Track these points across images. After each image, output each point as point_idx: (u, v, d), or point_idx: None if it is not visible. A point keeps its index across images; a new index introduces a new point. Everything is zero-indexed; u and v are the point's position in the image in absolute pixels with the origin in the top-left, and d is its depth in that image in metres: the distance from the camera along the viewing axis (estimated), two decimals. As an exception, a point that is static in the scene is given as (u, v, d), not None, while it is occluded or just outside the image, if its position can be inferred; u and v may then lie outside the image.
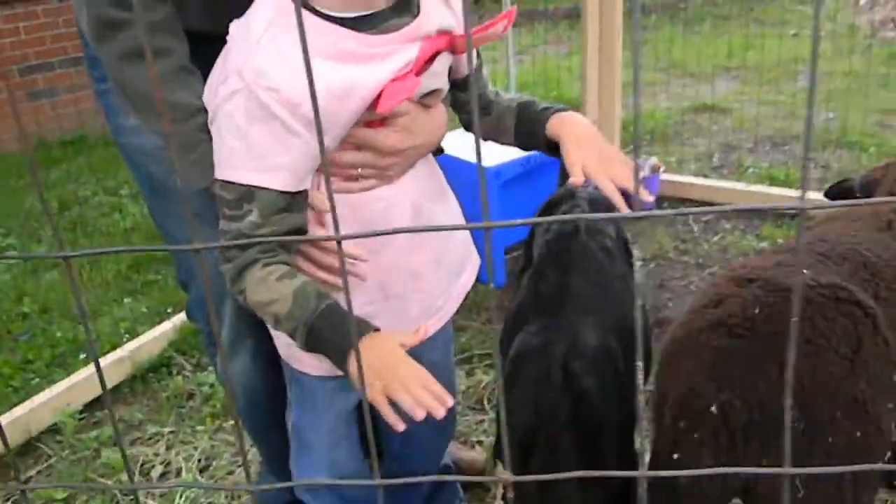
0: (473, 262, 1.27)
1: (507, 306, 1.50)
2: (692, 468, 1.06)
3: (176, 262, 1.37)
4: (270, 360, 1.24)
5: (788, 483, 0.40)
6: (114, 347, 2.26)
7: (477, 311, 2.44)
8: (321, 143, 0.42)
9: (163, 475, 1.82)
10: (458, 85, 1.13)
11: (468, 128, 1.25)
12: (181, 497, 1.70)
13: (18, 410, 1.98)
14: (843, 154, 3.50)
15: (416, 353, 0.92)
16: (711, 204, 3.06)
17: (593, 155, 1.03)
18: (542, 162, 2.49)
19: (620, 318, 1.28)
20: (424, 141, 1.06)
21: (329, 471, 1.22)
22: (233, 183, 0.92)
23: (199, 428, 1.96)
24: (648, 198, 1.16)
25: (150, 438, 1.95)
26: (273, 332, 1.16)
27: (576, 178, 1.02)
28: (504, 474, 0.47)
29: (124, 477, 1.76)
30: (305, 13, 0.89)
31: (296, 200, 0.95)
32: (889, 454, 1.13)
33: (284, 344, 1.16)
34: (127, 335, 2.38)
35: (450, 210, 1.21)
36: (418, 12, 0.96)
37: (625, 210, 1.03)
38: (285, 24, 0.88)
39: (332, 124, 0.92)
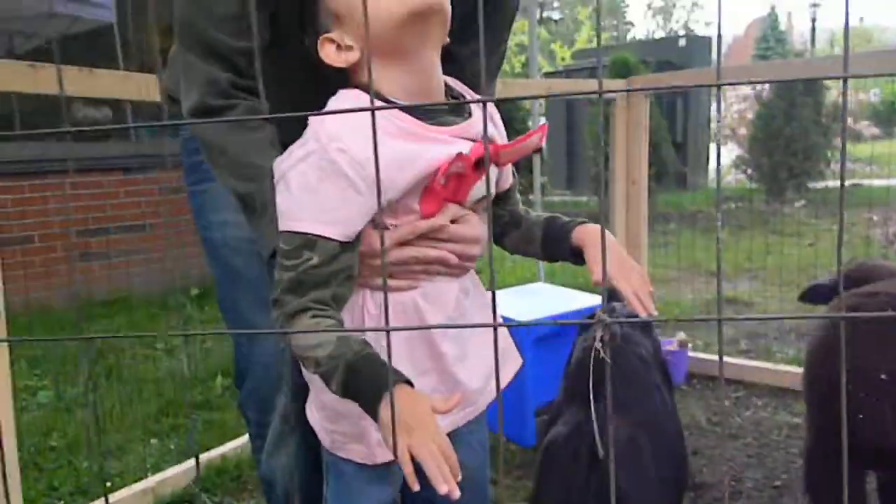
0: (514, 360, 1.28)
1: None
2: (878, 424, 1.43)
3: (236, 352, 1.42)
4: (313, 458, 1.25)
5: None
6: (137, 482, 2.24)
7: (507, 470, 2.40)
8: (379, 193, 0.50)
9: None
10: (498, 201, 1.22)
11: (499, 241, 1.29)
12: None
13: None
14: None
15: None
16: (741, 383, 3.08)
17: (614, 260, 1.09)
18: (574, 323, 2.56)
19: (652, 421, 1.30)
20: (474, 240, 1.12)
21: None
22: (297, 233, 0.98)
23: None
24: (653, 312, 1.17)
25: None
26: (318, 424, 1.17)
27: (595, 276, 1.08)
28: None
29: None
30: (376, 103, 1.00)
31: (349, 245, 1.01)
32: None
33: (329, 431, 1.17)
34: (151, 470, 2.36)
35: (484, 305, 1.23)
36: (470, 115, 1.08)
37: (644, 312, 1.09)
38: (355, 104, 1.00)
39: (390, 188, 1.00)
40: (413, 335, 1.09)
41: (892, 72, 3.03)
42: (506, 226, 1.25)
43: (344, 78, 1.07)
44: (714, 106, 10.24)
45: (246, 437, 2.33)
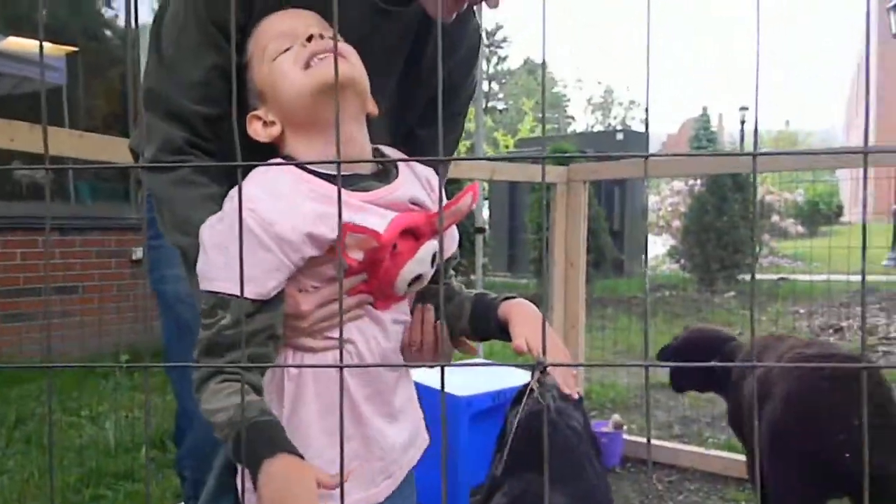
0: (423, 439, 1.26)
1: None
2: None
3: (178, 408, 1.40)
4: None
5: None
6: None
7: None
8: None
9: None
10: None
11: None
12: None
13: None
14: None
15: None
16: (674, 467, 3.12)
17: (535, 332, 1.11)
18: (511, 398, 2.58)
19: (586, 490, 1.32)
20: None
21: None
22: (211, 292, 1.00)
23: None
24: (578, 389, 1.20)
25: None
26: (239, 483, 1.15)
27: (519, 344, 1.09)
28: None
29: None
30: (295, 169, 1.03)
31: (267, 305, 1.01)
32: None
33: (249, 491, 1.15)
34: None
35: (408, 380, 1.23)
36: (396, 177, 1.10)
37: (568, 389, 1.14)
38: (276, 170, 1.04)
39: (303, 247, 1.00)
40: (334, 398, 1.07)
41: (799, 165, 3.24)
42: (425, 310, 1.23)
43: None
44: (649, 197, 10.65)
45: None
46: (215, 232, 1.00)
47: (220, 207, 1.07)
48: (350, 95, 1.07)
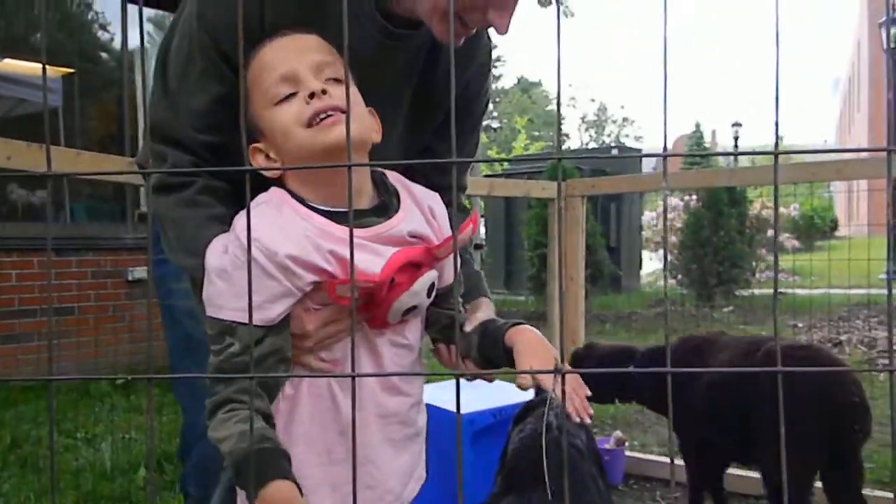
0: (419, 477, 1.25)
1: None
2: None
3: (184, 424, 1.39)
4: None
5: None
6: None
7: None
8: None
9: None
10: (439, 299, 1.18)
11: (437, 341, 1.29)
12: None
13: None
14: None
15: None
16: (679, 484, 3.08)
17: (547, 364, 1.11)
18: (513, 414, 2.56)
19: None
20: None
21: None
22: (217, 319, 1.01)
23: None
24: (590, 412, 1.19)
25: None
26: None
27: (524, 382, 1.11)
28: None
29: None
30: (292, 202, 1.04)
31: (273, 329, 1.03)
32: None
33: None
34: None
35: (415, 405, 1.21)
36: (397, 212, 1.09)
37: (579, 416, 1.13)
38: (277, 203, 1.04)
39: (302, 274, 1.01)
40: (327, 423, 1.08)
41: (819, 175, 3.23)
42: (440, 332, 1.24)
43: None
44: (646, 213, 10.68)
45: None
46: (220, 260, 1.01)
47: (225, 227, 1.08)
48: (357, 154, 1.07)
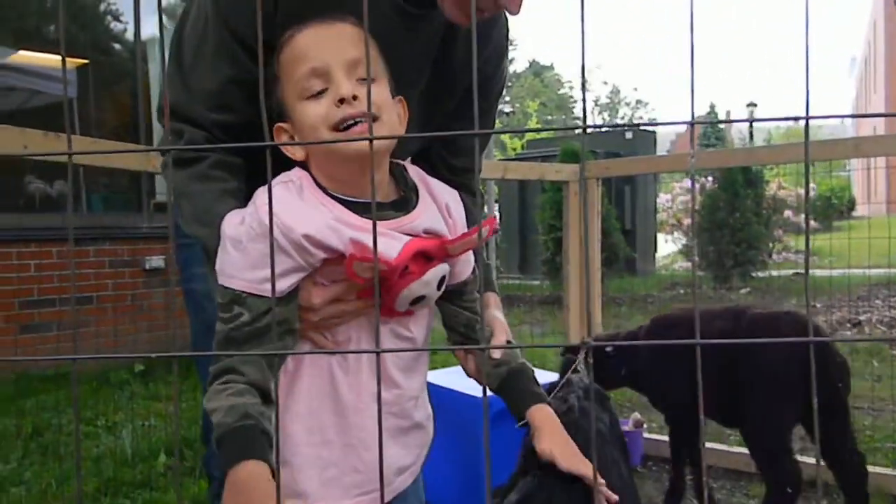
0: (413, 469, 1.24)
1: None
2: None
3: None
4: None
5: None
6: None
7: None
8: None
9: None
10: (452, 295, 1.20)
11: (452, 333, 1.29)
12: None
13: None
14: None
15: None
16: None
17: (561, 443, 1.17)
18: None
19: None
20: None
21: None
22: (228, 288, 1.02)
23: None
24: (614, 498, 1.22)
25: None
26: None
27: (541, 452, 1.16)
28: None
29: None
30: (314, 188, 1.05)
31: (281, 301, 1.03)
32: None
33: None
34: (88, 552, 2.22)
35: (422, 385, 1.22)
36: (415, 207, 1.10)
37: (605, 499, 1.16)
38: (298, 184, 1.05)
39: (316, 252, 1.02)
40: (324, 404, 1.08)
41: (847, 152, 3.19)
42: (458, 336, 1.25)
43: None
44: (660, 196, 10.62)
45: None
46: (236, 231, 1.02)
47: (237, 201, 1.10)
48: (381, 159, 1.08)
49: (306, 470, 1.08)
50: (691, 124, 0.45)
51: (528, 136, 20.10)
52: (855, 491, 2.28)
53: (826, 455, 2.24)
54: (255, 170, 1.14)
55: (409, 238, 1.05)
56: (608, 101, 53.62)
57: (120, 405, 3.93)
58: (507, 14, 1.16)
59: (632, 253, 9.24)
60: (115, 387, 4.33)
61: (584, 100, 0.57)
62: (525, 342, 5.17)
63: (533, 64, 49.58)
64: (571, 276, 3.28)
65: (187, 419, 3.54)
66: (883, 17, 26.61)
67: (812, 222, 9.80)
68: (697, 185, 9.10)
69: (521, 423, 1.21)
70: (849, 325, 5.76)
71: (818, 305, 6.55)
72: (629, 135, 11.32)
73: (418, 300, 1.09)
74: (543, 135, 17.84)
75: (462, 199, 1.20)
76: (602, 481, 1.19)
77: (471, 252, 1.15)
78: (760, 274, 8.63)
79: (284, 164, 1.08)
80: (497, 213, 10.51)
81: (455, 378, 2.78)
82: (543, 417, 1.19)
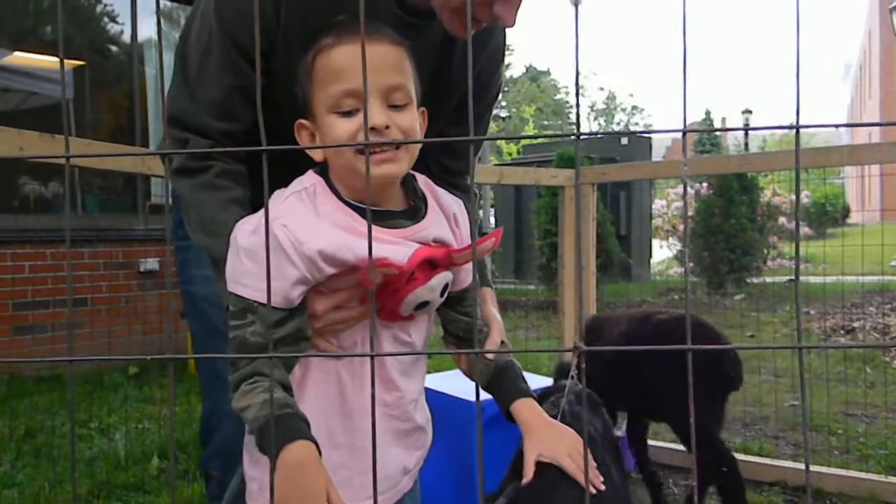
0: (413, 473, 1.27)
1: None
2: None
3: (205, 407, 1.42)
4: None
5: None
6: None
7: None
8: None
9: None
10: (453, 301, 1.23)
11: (451, 337, 1.32)
12: None
13: None
14: (812, 434, 3.60)
15: None
16: (690, 471, 3.08)
17: (556, 441, 1.20)
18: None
19: (597, 497, 1.28)
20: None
21: None
22: (240, 297, 1.04)
23: None
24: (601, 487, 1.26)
25: None
26: (245, 471, 1.17)
27: (528, 473, 1.18)
28: None
29: None
30: (329, 194, 1.07)
31: (294, 311, 1.06)
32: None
33: (251, 478, 1.16)
34: (80, 555, 2.22)
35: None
36: (424, 217, 1.13)
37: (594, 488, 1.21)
38: (312, 190, 1.07)
39: (323, 267, 1.04)
40: (332, 407, 1.11)
41: (841, 159, 3.19)
42: (456, 339, 1.28)
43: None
44: (656, 201, 10.64)
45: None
46: (249, 241, 1.04)
47: (243, 209, 1.12)
48: (396, 181, 1.11)
49: None
50: (683, 133, 0.46)
51: (525, 141, 20.15)
52: (724, 477, 2.43)
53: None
54: (259, 175, 1.14)
55: (418, 246, 1.08)
56: (604, 106, 53.74)
57: (113, 408, 3.92)
58: (506, 27, 1.18)
59: (627, 258, 9.26)
60: (108, 389, 4.32)
61: (577, 105, 0.58)
62: (519, 347, 5.18)
63: (529, 69, 49.68)
64: (566, 281, 3.28)
65: (180, 422, 3.53)
66: (878, 25, 26.73)
67: (806, 229, 9.84)
68: (693, 191, 9.13)
69: (506, 418, 1.24)
70: (842, 331, 5.78)
71: (812, 312, 6.57)
72: (625, 141, 11.34)
73: (422, 305, 1.11)
74: (539, 140, 17.89)
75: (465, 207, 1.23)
76: (597, 476, 1.23)
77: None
78: (755, 280, 8.66)
79: (296, 164, 1.09)
80: (492, 219, 10.52)
81: (449, 382, 2.79)
82: (526, 411, 1.22)
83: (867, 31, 32.71)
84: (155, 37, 5.59)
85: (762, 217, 9.07)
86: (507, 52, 1.45)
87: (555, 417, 1.44)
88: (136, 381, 4.50)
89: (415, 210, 1.13)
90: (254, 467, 1.15)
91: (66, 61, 5.36)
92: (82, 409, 3.80)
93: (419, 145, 1.12)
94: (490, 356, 1.25)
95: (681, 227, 9.92)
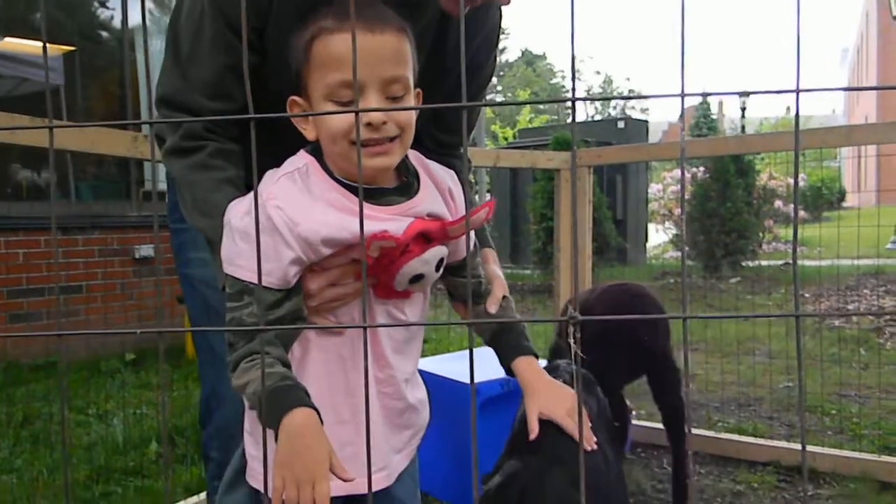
0: (408, 451, 1.28)
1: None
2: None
3: (204, 391, 1.43)
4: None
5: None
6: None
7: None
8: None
9: None
10: (454, 269, 1.24)
11: (454, 298, 1.34)
12: None
13: None
14: (807, 415, 3.62)
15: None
16: (686, 452, 3.10)
17: (554, 398, 1.24)
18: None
19: (592, 477, 1.29)
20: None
21: None
22: (237, 278, 1.04)
23: None
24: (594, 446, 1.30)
25: None
26: (246, 449, 1.18)
27: (532, 428, 1.23)
28: None
29: None
30: (322, 173, 1.07)
31: (291, 292, 1.06)
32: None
33: (251, 457, 1.17)
34: (78, 539, 2.23)
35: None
36: (417, 193, 1.13)
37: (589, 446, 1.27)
38: (301, 176, 1.06)
39: (317, 246, 1.05)
40: (335, 384, 1.12)
41: (839, 139, 3.18)
42: (460, 298, 1.31)
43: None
44: (652, 186, 10.63)
45: (182, 504, 2.24)
46: (243, 222, 1.03)
47: (237, 190, 1.12)
48: (389, 172, 1.11)
49: None
50: (682, 97, 0.45)
51: (520, 125, 20.09)
52: (676, 429, 2.57)
53: (657, 398, 2.56)
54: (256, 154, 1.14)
55: (413, 219, 1.09)
56: (601, 90, 53.59)
57: (111, 394, 3.92)
58: (501, 6, 1.18)
59: (623, 242, 9.26)
60: (106, 375, 4.33)
61: (573, 67, 0.57)
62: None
63: (525, 53, 49.49)
64: (562, 265, 3.28)
65: (177, 407, 3.54)
66: (875, 9, 26.64)
67: (802, 212, 9.84)
68: (689, 175, 9.12)
69: (507, 373, 1.27)
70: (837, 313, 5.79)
71: (807, 295, 6.58)
72: (621, 124, 11.32)
73: (417, 279, 1.11)
74: (535, 124, 17.83)
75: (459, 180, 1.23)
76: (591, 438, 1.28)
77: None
78: (750, 263, 8.67)
79: (288, 143, 1.09)
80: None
81: (445, 365, 2.80)
82: (527, 369, 1.25)
83: (865, 16, 32.60)
84: (146, 23, 5.54)
85: (758, 200, 9.08)
86: (502, 36, 1.45)
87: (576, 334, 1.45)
88: (133, 367, 4.50)
89: (407, 186, 1.13)
90: (255, 446, 1.15)
91: (56, 47, 5.33)
92: (79, 396, 3.81)
93: (412, 138, 1.10)
94: (493, 311, 1.28)
95: (677, 211, 9.92)
